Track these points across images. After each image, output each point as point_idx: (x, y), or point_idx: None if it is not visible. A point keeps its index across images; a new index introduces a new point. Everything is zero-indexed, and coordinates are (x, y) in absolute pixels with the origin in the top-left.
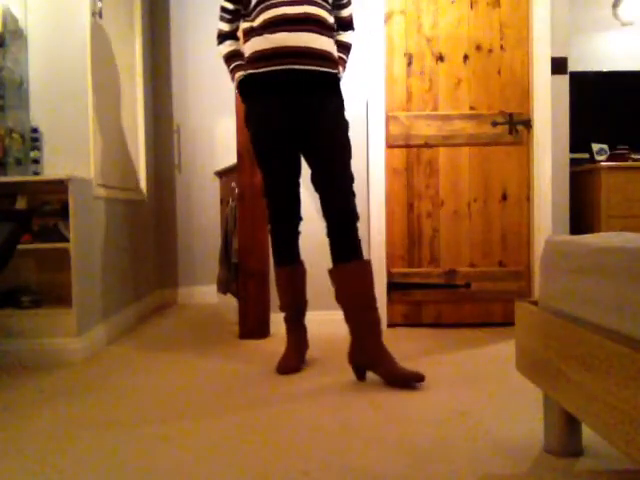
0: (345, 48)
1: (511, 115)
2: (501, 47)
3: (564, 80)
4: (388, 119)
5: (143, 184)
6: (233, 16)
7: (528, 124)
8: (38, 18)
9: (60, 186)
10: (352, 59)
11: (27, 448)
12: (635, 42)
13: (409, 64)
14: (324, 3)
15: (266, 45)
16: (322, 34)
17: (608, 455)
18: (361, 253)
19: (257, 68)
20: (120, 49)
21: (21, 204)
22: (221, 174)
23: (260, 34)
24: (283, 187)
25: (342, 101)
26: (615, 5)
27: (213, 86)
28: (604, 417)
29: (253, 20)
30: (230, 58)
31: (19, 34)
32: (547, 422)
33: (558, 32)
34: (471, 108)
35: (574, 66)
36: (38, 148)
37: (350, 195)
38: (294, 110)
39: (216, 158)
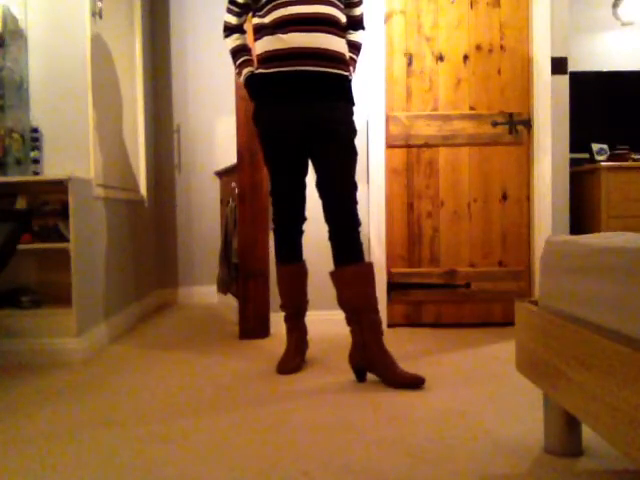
0: (356, 48)
1: (511, 115)
2: (501, 47)
3: (564, 80)
4: (388, 119)
5: (143, 184)
6: (242, 10)
7: (528, 124)
8: (38, 18)
9: (60, 186)
10: None
11: (27, 448)
12: (635, 42)
13: (409, 64)
14: (337, 2)
15: (279, 45)
16: (336, 35)
17: (608, 455)
18: (363, 256)
19: (268, 68)
20: (120, 49)
21: (21, 204)
22: (221, 174)
23: (272, 33)
24: (289, 187)
25: (352, 107)
26: (615, 5)
27: (213, 86)
28: (604, 417)
29: (264, 17)
30: (237, 52)
31: (19, 34)
32: (547, 422)
33: (558, 32)
34: (471, 108)
35: (574, 66)
36: (38, 148)
37: (353, 202)
38: (305, 114)
39: (216, 158)
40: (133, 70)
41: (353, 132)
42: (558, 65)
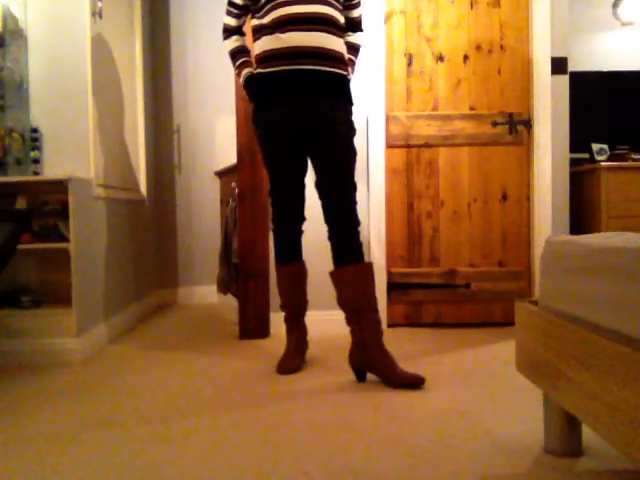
0: (355, 49)
1: (511, 115)
2: (501, 47)
3: (564, 80)
4: (388, 119)
5: (143, 184)
6: (241, 11)
7: (528, 124)
8: (38, 18)
9: (60, 186)
10: None
11: (27, 448)
12: (635, 42)
13: (409, 64)
14: (335, 3)
15: (277, 44)
16: (334, 34)
17: (608, 455)
18: (362, 256)
19: (266, 68)
20: (120, 49)
21: (21, 204)
22: (221, 174)
23: (271, 33)
24: (288, 187)
25: (351, 107)
26: (615, 5)
27: (213, 86)
28: (604, 417)
29: (263, 18)
30: (236, 54)
31: (19, 34)
32: (547, 422)
33: (558, 32)
34: (471, 108)
35: (574, 66)
36: (38, 148)
37: (352, 202)
38: (305, 113)
39: (216, 158)
40: (133, 70)
41: (353, 132)
42: (558, 65)
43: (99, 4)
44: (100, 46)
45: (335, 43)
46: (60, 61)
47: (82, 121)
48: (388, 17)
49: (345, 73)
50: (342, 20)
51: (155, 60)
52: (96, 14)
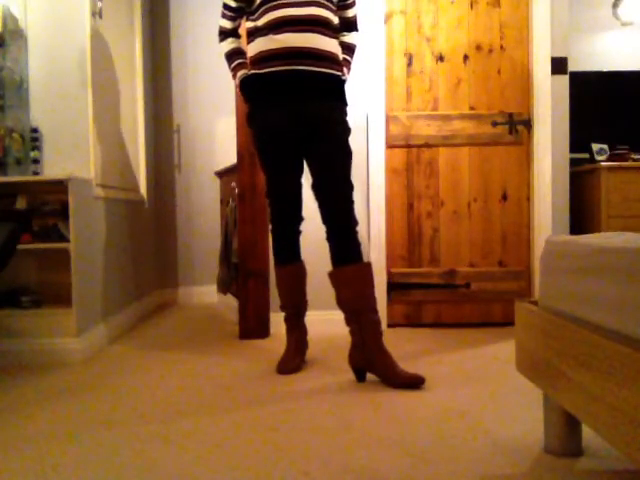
0: (350, 49)
1: (511, 115)
2: (501, 47)
3: (564, 80)
4: (388, 119)
5: (143, 184)
6: (236, 14)
7: (528, 124)
8: (38, 18)
9: (60, 186)
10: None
11: (27, 448)
12: (635, 42)
13: (409, 64)
14: (329, 4)
15: (271, 45)
16: (328, 35)
17: (608, 455)
18: (361, 256)
19: (261, 68)
20: (120, 49)
21: (21, 204)
22: (221, 174)
23: (265, 34)
24: (285, 187)
25: (346, 107)
26: (615, 5)
27: (213, 86)
28: (604, 417)
29: (257, 20)
30: (232, 56)
31: (19, 34)
32: (547, 422)
33: (558, 32)
34: (471, 108)
35: (574, 66)
36: (38, 148)
37: (350, 202)
38: (298, 114)
39: (216, 158)
40: (133, 70)
41: (348, 132)
42: (558, 65)
43: (99, 4)
44: (100, 46)
45: (329, 44)
46: (60, 61)
47: (82, 121)
48: (388, 17)
49: (339, 74)
50: (336, 21)
51: (155, 60)
52: (96, 14)
